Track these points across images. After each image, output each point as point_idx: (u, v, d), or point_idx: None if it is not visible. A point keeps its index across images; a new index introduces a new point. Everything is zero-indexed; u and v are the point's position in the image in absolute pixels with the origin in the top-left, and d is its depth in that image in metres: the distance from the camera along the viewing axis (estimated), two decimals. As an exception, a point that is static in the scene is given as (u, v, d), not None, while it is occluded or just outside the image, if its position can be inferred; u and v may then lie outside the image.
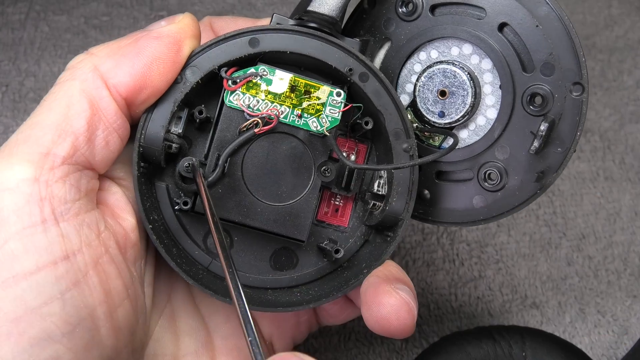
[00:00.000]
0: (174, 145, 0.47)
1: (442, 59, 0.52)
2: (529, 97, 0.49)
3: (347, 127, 0.51)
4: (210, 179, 0.48)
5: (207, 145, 0.49)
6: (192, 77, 0.47)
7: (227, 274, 0.41)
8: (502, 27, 0.50)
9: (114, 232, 0.45)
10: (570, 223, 0.79)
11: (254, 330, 0.39)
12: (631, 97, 0.86)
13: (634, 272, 0.77)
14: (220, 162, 0.48)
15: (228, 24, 0.54)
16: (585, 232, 0.78)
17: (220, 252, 0.42)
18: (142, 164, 0.47)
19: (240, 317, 0.39)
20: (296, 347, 0.60)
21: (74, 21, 0.79)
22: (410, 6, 0.51)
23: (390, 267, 0.50)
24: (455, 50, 0.51)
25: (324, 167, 0.50)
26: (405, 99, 0.53)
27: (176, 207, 0.49)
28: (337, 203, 0.52)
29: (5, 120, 0.74)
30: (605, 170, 0.82)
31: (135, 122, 0.47)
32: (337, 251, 0.50)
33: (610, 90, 0.87)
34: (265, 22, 0.52)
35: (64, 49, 0.77)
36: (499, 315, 0.73)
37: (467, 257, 0.75)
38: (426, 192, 0.53)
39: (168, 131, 0.47)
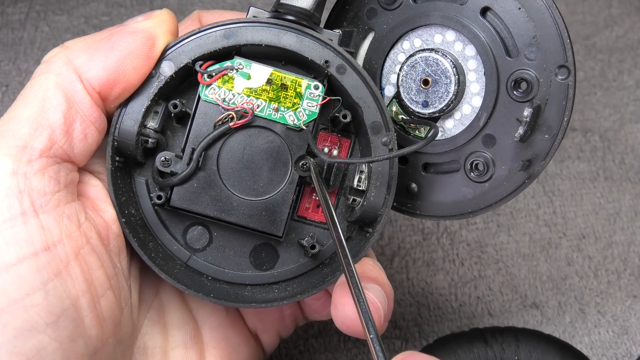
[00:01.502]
0: (150, 140, 0.47)
1: (425, 47, 0.50)
2: (513, 83, 0.47)
3: (329, 121, 0.49)
4: (183, 173, 0.46)
5: (184, 140, 0.48)
6: (167, 71, 0.46)
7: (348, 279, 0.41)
8: (484, 11, 0.48)
9: (95, 224, 0.45)
10: (570, 223, 0.78)
11: (375, 329, 0.38)
12: (631, 97, 0.86)
13: (634, 272, 0.76)
14: (194, 156, 0.46)
15: (216, 18, 0.53)
16: (585, 232, 0.78)
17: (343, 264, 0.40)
18: (117, 158, 0.46)
19: (361, 316, 0.39)
20: (291, 342, 0.60)
21: (74, 21, 0.78)
22: None
23: (365, 266, 0.48)
24: (438, 38, 0.50)
25: (302, 162, 0.48)
26: (390, 90, 0.51)
27: (152, 202, 0.48)
28: (318, 199, 0.50)
29: (5, 120, 0.74)
30: (605, 170, 0.82)
31: (111, 115, 0.46)
32: (312, 247, 0.49)
33: (610, 90, 0.86)
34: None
35: (63, 49, 0.77)
36: (499, 315, 0.73)
37: (467, 257, 0.75)
38: (413, 185, 0.51)
39: (144, 126, 0.46)
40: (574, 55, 0.45)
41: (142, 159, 0.48)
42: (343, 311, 0.45)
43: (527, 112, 0.45)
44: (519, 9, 0.46)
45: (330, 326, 0.69)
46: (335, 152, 0.50)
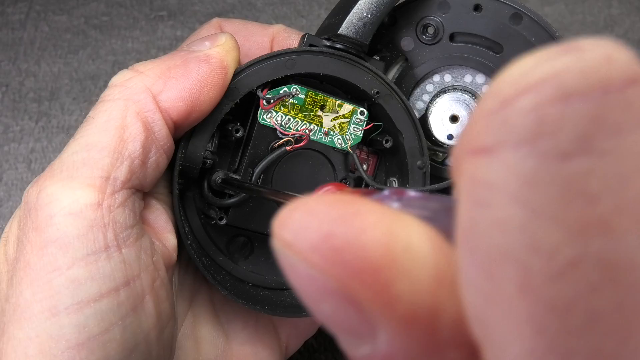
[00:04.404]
0: (208, 161, 0.49)
1: (455, 84, 0.55)
2: None
3: (365, 141, 0.55)
4: (243, 195, 0.50)
5: (237, 160, 0.52)
6: (232, 98, 0.48)
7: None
8: None
9: (162, 254, 0.46)
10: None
11: None
12: (630, 98, 0.88)
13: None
14: (253, 178, 0.51)
15: (239, 28, 0.55)
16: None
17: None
18: (179, 181, 0.49)
19: None
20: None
21: (74, 21, 0.80)
22: (431, 30, 0.54)
23: None
24: (468, 78, 0.54)
25: (344, 182, 0.54)
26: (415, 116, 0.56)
27: (212, 222, 0.51)
28: None
29: (5, 120, 0.75)
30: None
31: (175, 139, 0.47)
32: None
33: (609, 91, 0.88)
34: (274, 28, 0.55)
35: (64, 49, 0.78)
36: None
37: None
38: None
39: (206, 149, 0.49)
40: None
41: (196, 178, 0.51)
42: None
43: None
44: None
45: (331, 327, 0.69)
46: (365, 167, 0.56)
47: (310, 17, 0.85)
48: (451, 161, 0.19)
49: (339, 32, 0.50)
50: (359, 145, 0.55)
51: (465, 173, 0.18)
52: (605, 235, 0.16)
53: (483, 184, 0.17)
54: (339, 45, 0.51)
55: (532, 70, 0.17)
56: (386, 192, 0.25)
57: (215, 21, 0.55)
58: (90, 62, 0.79)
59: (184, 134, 0.47)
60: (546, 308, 0.16)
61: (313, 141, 0.52)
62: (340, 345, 0.22)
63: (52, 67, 0.78)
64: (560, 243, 0.16)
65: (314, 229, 0.20)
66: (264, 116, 0.50)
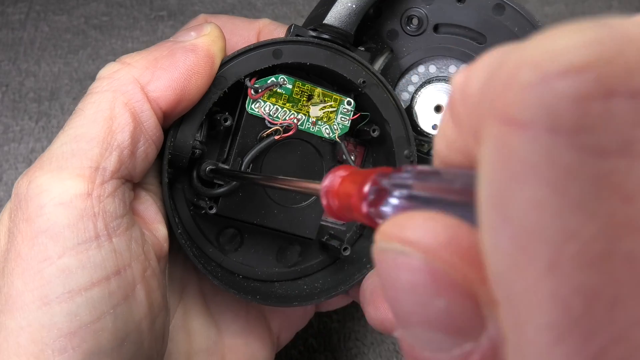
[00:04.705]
0: (197, 151, 0.50)
1: (439, 75, 0.56)
2: None
3: (352, 132, 0.56)
4: (233, 184, 0.51)
5: (226, 150, 0.53)
6: (220, 87, 0.49)
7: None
8: None
9: (153, 244, 0.46)
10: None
11: None
12: (631, 97, 0.88)
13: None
14: (242, 168, 0.51)
15: (225, 24, 0.55)
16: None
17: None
18: (168, 170, 0.49)
19: None
20: (290, 342, 0.62)
21: (74, 21, 0.81)
22: (415, 21, 0.55)
23: None
24: (452, 69, 0.56)
25: None
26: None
27: (202, 212, 0.52)
28: None
29: (5, 120, 0.76)
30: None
31: (164, 129, 0.48)
32: (345, 249, 0.54)
33: (609, 91, 0.88)
34: (260, 22, 0.56)
35: (64, 49, 0.79)
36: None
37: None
38: None
39: (195, 139, 0.50)
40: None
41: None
42: (386, 314, 0.47)
43: None
44: None
45: (330, 325, 0.70)
46: (352, 157, 0.57)
47: (309, 17, 0.86)
48: (468, 109, 0.21)
49: (325, 21, 0.51)
50: (346, 137, 0.56)
51: (492, 138, 0.18)
52: (637, 234, 0.16)
53: (516, 157, 0.18)
54: (325, 36, 0.52)
55: (576, 49, 0.17)
56: (405, 174, 0.25)
57: (202, 17, 0.56)
58: (90, 62, 0.80)
59: (172, 123, 0.48)
60: (572, 291, 0.17)
61: (301, 131, 0.53)
62: (428, 349, 0.22)
63: (52, 67, 0.79)
64: (593, 236, 0.17)
65: (440, 230, 0.21)
66: (252, 106, 0.51)
